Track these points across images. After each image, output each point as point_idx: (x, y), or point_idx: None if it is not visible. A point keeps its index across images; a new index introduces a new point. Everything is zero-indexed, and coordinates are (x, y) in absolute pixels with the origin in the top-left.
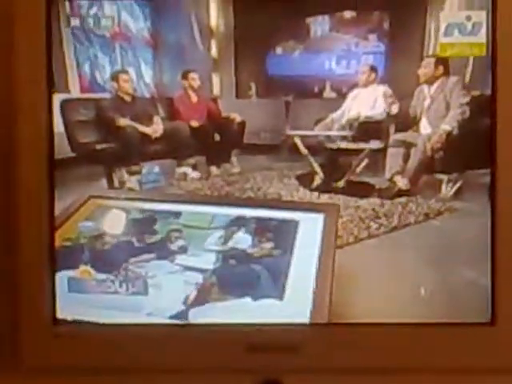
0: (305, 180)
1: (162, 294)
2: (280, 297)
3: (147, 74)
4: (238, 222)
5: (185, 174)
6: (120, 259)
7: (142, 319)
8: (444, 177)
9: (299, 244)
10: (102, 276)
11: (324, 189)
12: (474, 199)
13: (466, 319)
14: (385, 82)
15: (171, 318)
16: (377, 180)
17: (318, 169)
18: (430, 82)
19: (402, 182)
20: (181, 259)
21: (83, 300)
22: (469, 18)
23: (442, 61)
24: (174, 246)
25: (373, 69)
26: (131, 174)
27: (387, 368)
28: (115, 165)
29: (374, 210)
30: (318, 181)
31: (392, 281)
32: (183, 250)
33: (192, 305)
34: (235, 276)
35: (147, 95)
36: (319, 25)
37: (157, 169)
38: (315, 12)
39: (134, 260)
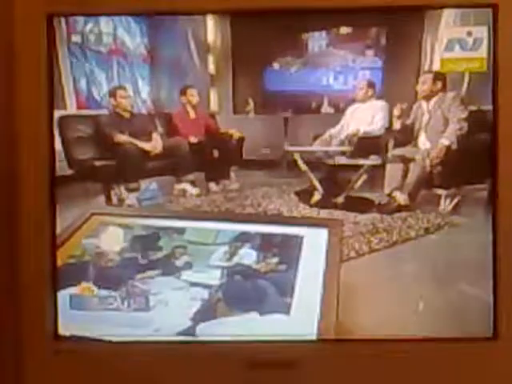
0: (304, 196)
1: (168, 311)
2: (287, 312)
3: (144, 90)
4: (243, 238)
5: (184, 191)
6: (125, 276)
7: (150, 336)
8: (442, 192)
9: (304, 259)
10: (106, 293)
11: (324, 204)
12: (472, 214)
13: (468, 334)
14: (382, 97)
15: (179, 334)
16: (376, 195)
17: (317, 184)
18: (428, 97)
19: (401, 198)
20: (186, 275)
21: (86, 317)
22: (470, 34)
23: (439, 76)
24: (179, 262)
25: (370, 84)
26: (130, 190)
27: None
28: (114, 182)
29: (374, 225)
30: (317, 196)
31: (393, 296)
32: (188, 266)
33: (199, 320)
34: (241, 291)
35: (144, 111)
36: (316, 40)
37: (154, 185)
38: (312, 28)
39: (140, 276)
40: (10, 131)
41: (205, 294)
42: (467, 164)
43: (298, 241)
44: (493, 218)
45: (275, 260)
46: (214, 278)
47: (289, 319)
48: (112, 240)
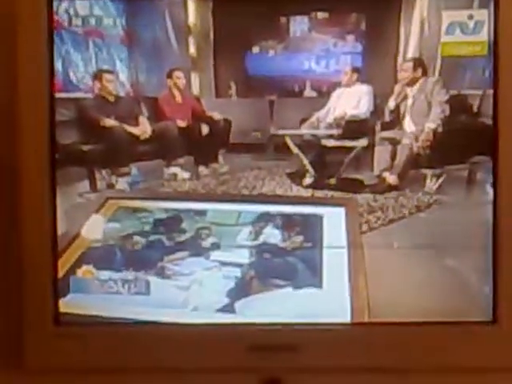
0: (296, 178)
1: (203, 290)
2: (319, 285)
3: (123, 73)
4: (265, 218)
5: (175, 175)
6: (154, 258)
7: (188, 315)
8: (428, 171)
9: (327, 236)
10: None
11: (317, 186)
12: (455, 192)
13: (468, 318)
14: (364, 81)
15: (218, 311)
16: (366, 176)
17: (309, 167)
18: (410, 84)
19: (390, 178)
20: (216, 255)
21: (90, 300)
22: (470, 17)
23: (419, 63)
24: (206, 243)
25: (355, 69)
26: (120, 175)
27: (387, 368)
28: (102, 166)
29: (369, 204)
30: (309, 178)
31: (392, 278)
32: (216, 246)
33: (236, 298)
34: (273, 268)
35: (123, 94)
36: (298, 25)
37: (135, 170)
38: (294, 12)
39: (169, 258)
40: (11, 116)
41: (237, 272)
42: (449, 145)
43: (318, 219)
44: (494, 201)
45: (300, 238)
46: (244, 256)
47: (322, 292)
48: (92, 227)
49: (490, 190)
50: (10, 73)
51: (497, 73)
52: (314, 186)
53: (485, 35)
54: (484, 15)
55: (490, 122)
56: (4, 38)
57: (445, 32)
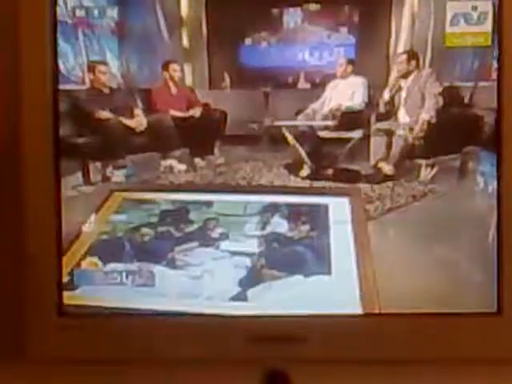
0: (294, 169)
1: (215, 279)
2: (328, 272)
3: (114, 65)
4: (271, 209)
5: (171, 167)
6: (164, 249)
7: (202, 304)
8: (423, 161)
9: (334, 225)
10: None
11: (315, 177)
12: (448, 182)
13: (472, 309)
14: (358, 73)
15: (231, 299)
16: (362, 167)
17: (306, 158)
18: (405, 76)
19: (386, 168)
20: (225, 245)
21: (95, 291)
22: (474, 8)
23: (413, 55)
24: (214, 234)
25: (350, 61)
26: (117, 168)
27: (389, 359)
28: (98, 159)
29: (366, 194)
30: (306, 169)
31: (395, 269)
32: (225, 236)
33: (248, 286)
34: (282, 257)
35: (114, 86)
36: (292, 16)
37: (131, 162)
38: (287, 4)
39: (179, 249)
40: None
41: (247, 261)
42: (442, 136)
43: (323, 209)
44: (498, 193)
45: (306, 228)
46: (253, 246)
47: (331, 279)
48: (97, 220)
49: (481, 180)
50: (11, 66)
51: (501, 64)
52: (311, 176)
53: (489, 26)
54: (488, 6)
55: (481, 113)
56: (5, 33)
57: (449, 23)
